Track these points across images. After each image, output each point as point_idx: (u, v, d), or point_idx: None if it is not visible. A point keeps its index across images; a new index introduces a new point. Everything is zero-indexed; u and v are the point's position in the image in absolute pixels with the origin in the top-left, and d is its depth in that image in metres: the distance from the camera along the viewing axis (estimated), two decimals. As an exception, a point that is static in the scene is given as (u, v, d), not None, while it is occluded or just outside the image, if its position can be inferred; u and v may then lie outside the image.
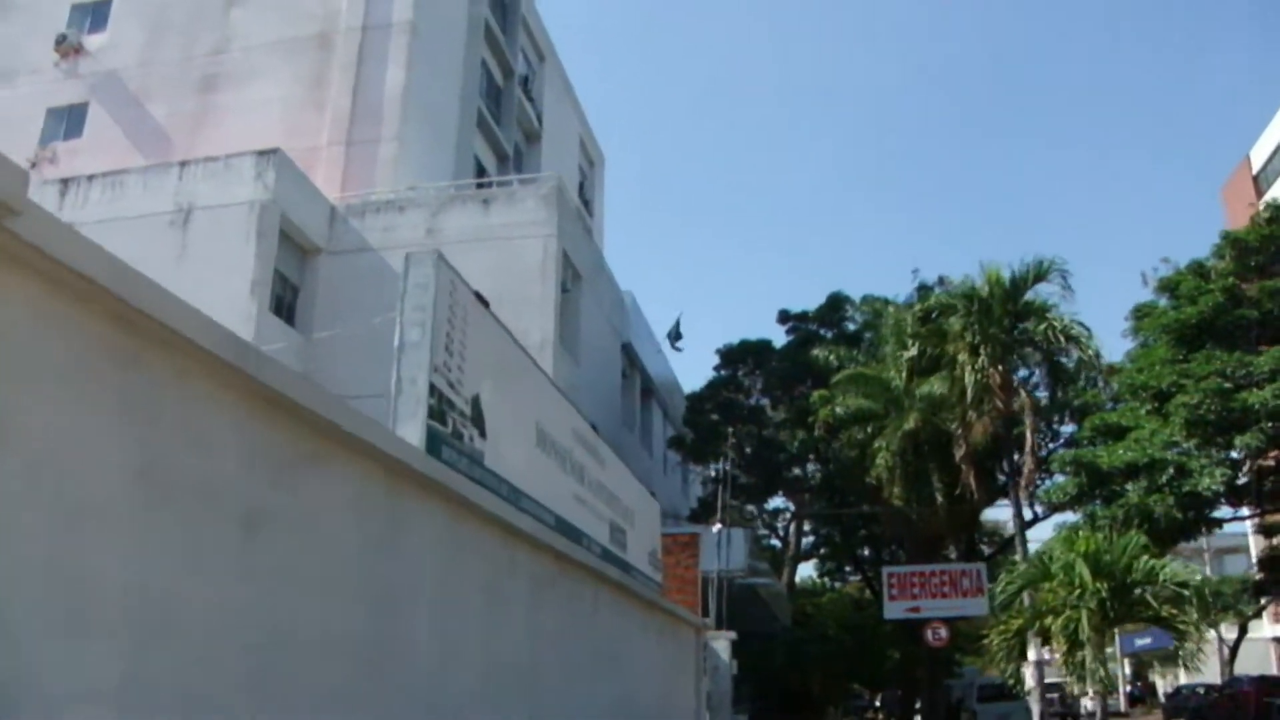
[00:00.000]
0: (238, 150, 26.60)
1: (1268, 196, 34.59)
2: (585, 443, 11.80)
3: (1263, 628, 62.93)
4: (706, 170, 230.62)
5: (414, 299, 7.92)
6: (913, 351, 24.41)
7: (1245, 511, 34.68)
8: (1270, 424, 24.03)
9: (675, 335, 43.03)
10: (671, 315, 47.26)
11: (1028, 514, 29.93)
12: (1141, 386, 27.39)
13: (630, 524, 14.01)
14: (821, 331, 41.83)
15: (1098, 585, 13.55)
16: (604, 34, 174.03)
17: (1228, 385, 24.70)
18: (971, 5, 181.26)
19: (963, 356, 21.70)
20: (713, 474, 39.61)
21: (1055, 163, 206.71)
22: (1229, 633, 53.54)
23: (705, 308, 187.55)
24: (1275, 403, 23.36)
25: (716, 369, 42.87)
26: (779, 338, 42.87)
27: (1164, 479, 24.55)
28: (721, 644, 21.21)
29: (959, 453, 23.33)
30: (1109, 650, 19.39)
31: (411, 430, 7.40)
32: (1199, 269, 30.84)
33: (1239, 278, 29.42)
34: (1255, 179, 63.82)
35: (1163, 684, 78.84)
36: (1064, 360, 23.67)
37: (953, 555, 39.95)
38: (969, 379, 21.15)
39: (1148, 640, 70.73)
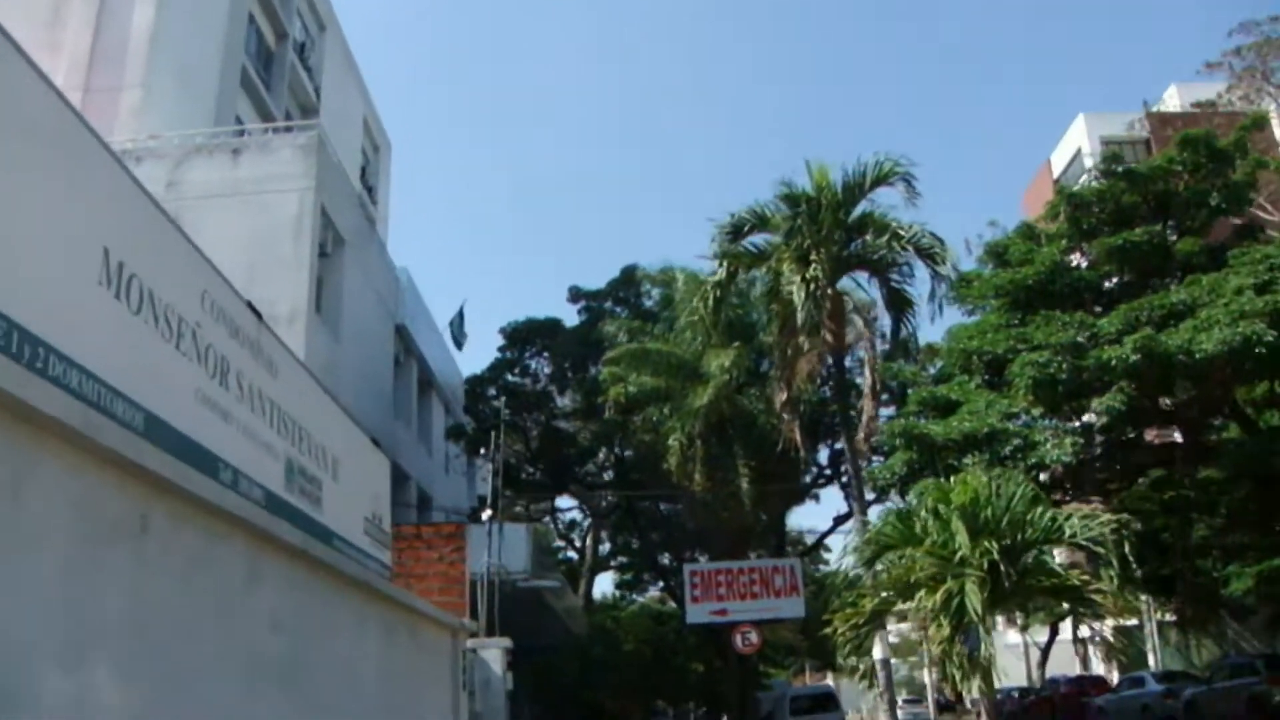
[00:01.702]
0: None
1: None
2: (234, 328, 7.52)
3: (1066, 628, 61.80)
4: (493, 152, 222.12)
5: None
6: (720, 274, 20.12)
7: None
8: (1130, 383, 20.96)
9: (458, 328, 38.37)
10: (457, 311, 43.02)
11: (843, 506, 26.44)
12: (975, 353, 24.25)
13: (330, 473, 9.66)
14: (615, 310, 37.88)
15: (987, 545, 9.92)
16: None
17: (1081, 339, 21.65)
18: None
19: (788, 268, 17.83)
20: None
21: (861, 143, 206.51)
22: (1040, 635, 52.12)
23: (496, 302, 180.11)
24: (1135, 359, 20.25)
25: (501, 350, 38.65)
26: (572, 319, 38.88)
27: (1008, 450, 21.30)
28: (493, 653, 17.14)
29: (780, 399, 19.45)
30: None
31: None
32: (1028, 231, 28.20)
33: (1071, 240, 26.87)
34: (1056, 183, 63.42)
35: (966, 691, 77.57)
36: (904, 286, 19.90)
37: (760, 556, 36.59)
38: (798, 295, 17.23)
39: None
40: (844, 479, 36.25)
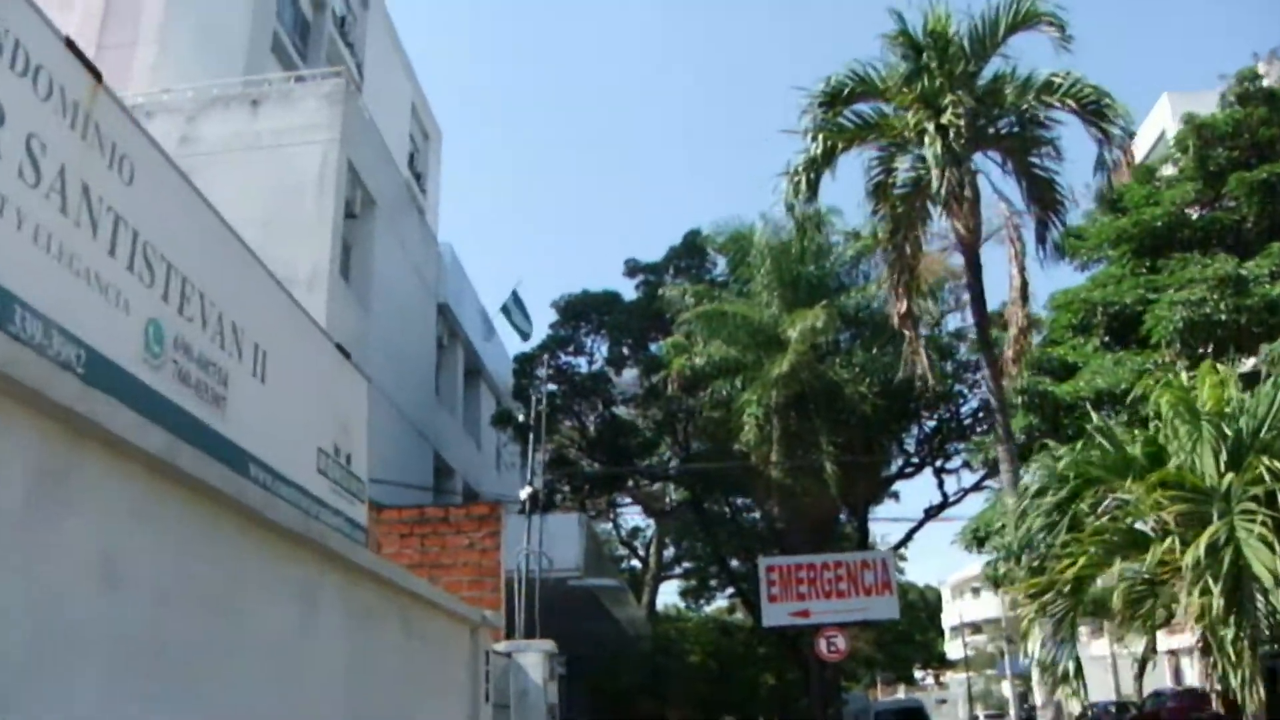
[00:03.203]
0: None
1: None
2: (33, 75, 4.20)
3: (1162, 637, 58.11)
4: (544, 134, 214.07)
5: None
6: (815, 150, 15.98)
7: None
8: (1304, 324, 17.32)
9: (519, 315, 34.59)
10: (511, 295, 38.82)
11: (933, 497, 22.90)
12: (1100, 304, 20.73)
13: (250, 366, 6.30)
14: (677, 282, 33.85)
15: (1267, 465, 6.53)
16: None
17: (1242, 272, 18.05)
18: None
19: (913, 118, 13.91)
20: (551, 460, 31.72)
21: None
22: (1134, 645, 48.18)
23: (553, 293, 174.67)
24: (1313, 296, 16.69)
25: (553, 326, 35.26)
26: (631, 296, 35.34)
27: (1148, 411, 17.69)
28: (532, 659, 13.77)
29: (898, 311, 15.50)
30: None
31: None
32: (1147, 175, 24.74)
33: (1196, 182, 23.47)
34: (1141, 167, 60.04)
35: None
36: (1047, 170, 15.81)
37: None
38: (932, 152, 13.36)
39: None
40: (937, 463, 32.67)
